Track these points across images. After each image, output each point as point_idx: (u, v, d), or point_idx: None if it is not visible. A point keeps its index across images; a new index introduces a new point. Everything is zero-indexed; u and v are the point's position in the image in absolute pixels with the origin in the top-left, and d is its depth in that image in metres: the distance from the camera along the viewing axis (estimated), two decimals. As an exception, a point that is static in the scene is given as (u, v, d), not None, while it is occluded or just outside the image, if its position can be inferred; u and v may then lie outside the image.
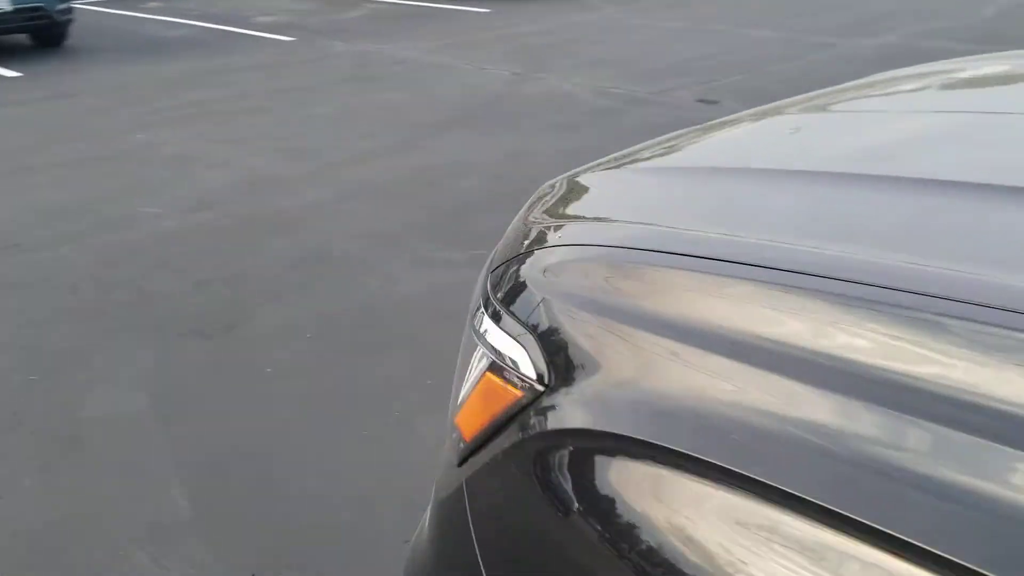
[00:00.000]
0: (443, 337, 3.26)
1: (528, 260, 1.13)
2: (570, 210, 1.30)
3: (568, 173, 1.48)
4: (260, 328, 3.38)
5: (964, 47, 7.72)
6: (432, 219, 4.38)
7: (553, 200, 1.33)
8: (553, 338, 1.00)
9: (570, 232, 1.18)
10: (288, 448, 2.66)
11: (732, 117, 1.72)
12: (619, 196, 1.29)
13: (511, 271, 1.15)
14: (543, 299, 1.04)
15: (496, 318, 1.11)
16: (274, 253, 4.05)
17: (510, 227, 1.35)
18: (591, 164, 1.51)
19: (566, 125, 5.98)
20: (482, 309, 1.16)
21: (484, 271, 1.28)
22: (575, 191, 1.37)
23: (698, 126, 1.65)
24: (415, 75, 7.65)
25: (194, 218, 4.51)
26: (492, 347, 1.08)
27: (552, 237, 1.17)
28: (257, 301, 3.59)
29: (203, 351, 3.23)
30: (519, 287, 1.10)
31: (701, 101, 6.36)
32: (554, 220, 1.24)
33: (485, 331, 1.12)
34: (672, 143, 1.50)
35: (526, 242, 1.19)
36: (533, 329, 1.03)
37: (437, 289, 3.64)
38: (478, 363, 1.12)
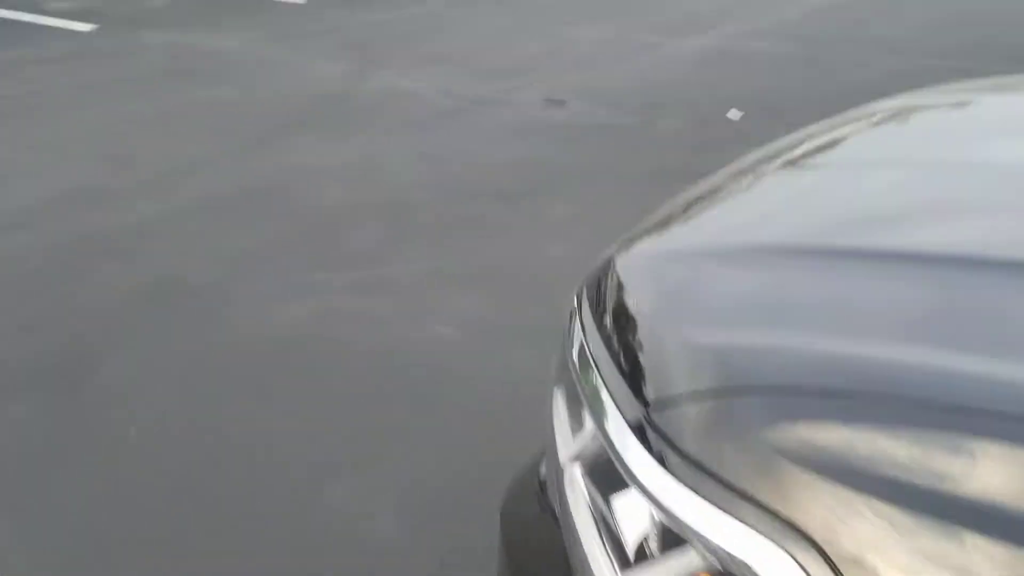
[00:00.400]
0: (335, 382, 2.86)
1: (740, 406, 0.79)
2: (726, 317, 0.96)
3: (639, 236, 1.15)
4: (113, 379, 2.85)
5: (784, 47, 7.95)
6: (295, 236, 3.92)
7: (680, 296, 1.00)
8: (859, 555, 0.67)
9: (786, 363, 0.82)
10: (168, 540, 2.20)
11: (790, 148, 1.44)
12: (777, 295, 0.96)
13: (711, 420, 0.80)
14: (809, 483, 0.71)
15: (661, 460, 0.78)
16: (115, 282, 3.48)
17: (607, 329, 1.01)
18: (657, 220, 1.19)
19: (416, 126, 5.62)
20: (634, 442, 0.81)
21: (613, 378, 0.92)
22: (699, 276, 1.04)
23: (743, 167, 1.37)
24: (240, 70, 7.02)
25: (9, 241, 3.83)
26: (694, 531, 0.75)
27: (748, 367, 0.83)
28: (104, 345, 3.04)
29: (45, 413, 2.68)
30: (736, 445, 0.76)
31: (548, 101, 6.16)
32: (722, 335, 0.91)
33: (657, 488, 0.78)
34: (729, 202, 1.21)
35: (693, 369, 0.85)
36: (790, 525, 0.70)
37: (317, 321, 3.22)
38: (653, 540, 0.78)
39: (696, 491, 0.77)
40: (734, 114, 5.77)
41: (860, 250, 1.01)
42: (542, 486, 1.14)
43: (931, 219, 1.09)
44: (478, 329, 3.17)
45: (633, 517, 0.81)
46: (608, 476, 0.85)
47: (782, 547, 0.70)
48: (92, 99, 6.11)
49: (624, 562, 0.82)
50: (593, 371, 0.97)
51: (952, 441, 0.68)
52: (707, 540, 0.75)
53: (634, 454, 0.83)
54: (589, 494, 0.88)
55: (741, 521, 0.73)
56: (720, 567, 0.74)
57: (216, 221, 4.09)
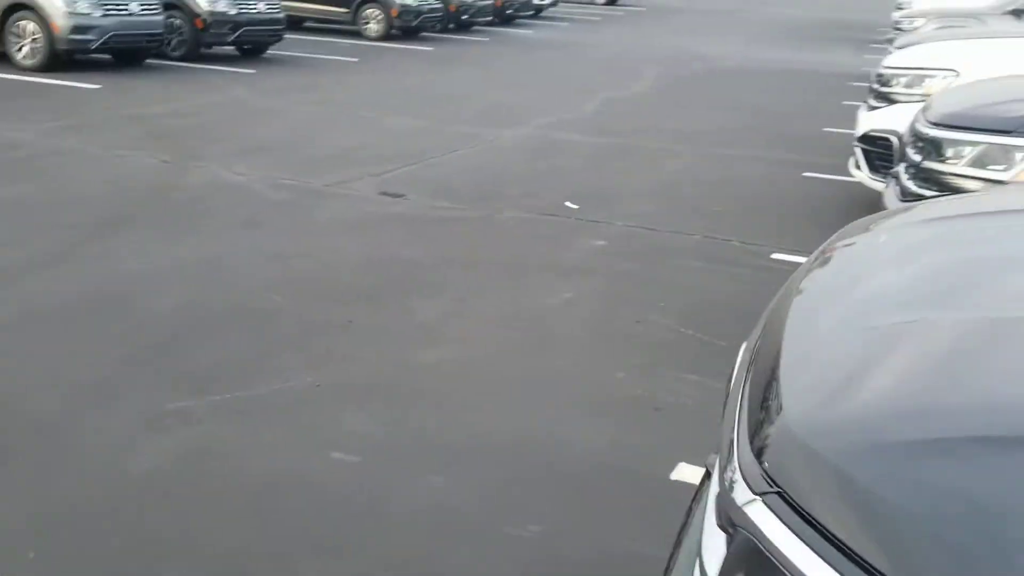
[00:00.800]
0: (220, 536, 2.39)
1: None
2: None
3: (829, 409, 0.90)
4: (-54, 554, 2.24)
5: (595, 138, 8.14)
6: (144, 353, 3.38)
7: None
8: None
9: None
10: None
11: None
12: None
13: None
14: None
15: None
16: (-72, 425, 2.82)
17: None
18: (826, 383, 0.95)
19: (252, 222, 5.16)
20: None
21: None
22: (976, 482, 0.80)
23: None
24: (40, 163, 6.24)
25: None
26: None
27: None
28: (-73, 509, 2.41)
29: None
30: None
31: (385, 194, 5.88)
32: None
33: None
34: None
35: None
36: None
37: (188, 457, 2.73)
38: None
39: None
40: (571, 204, 5.75)
41: None
42: None
43: None
44: (379, 453, 2.81)
45: None
46: None
47: None
48: None
49: None
50: None
51: None
52: None
53: None
54: None
55: None
56: None
57: (47, 339, 3.46)
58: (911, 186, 3.24)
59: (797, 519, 0.82)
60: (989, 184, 2.94)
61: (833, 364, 1.04)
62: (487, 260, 4.73)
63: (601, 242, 5.09)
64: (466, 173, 6.62)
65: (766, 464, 0.90)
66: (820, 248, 1.55)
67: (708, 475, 1.38)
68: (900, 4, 17.23)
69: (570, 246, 5.02)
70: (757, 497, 0.87)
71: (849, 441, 0.88)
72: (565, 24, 21.02)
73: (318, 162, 6.69)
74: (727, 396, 1.40)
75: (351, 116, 8.74)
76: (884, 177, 5.30)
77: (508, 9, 19.52)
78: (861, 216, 5.10)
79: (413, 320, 3.89)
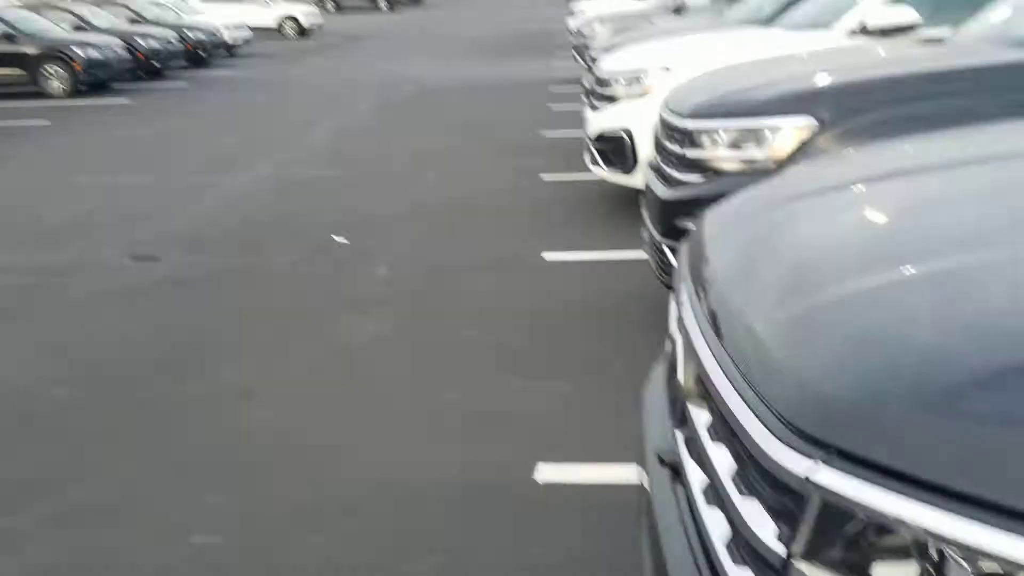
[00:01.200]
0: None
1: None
2: None
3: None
4: None
5: (328, 171, 8.04)
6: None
7: None
8: None
9: None
10: None
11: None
12: None
13: None
14: None
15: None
16: None
17: None
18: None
19: (-6, 315, 4.58)
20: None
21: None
22: None
23: None
24: None
25: None
26: None
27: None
28: None
29: None
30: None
31: (137, 259, 5.45)
32: None
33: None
34: None
35: None
36: None
37: (31, 582, 2.41)
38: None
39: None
40: (341, 239, 5.67)
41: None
42: None
43: None
44: (240, 527, 2.64)
45: None
46: None
47: None
48: None
49: None
50: None
51: None
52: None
53: None
54: None
55: None
56: None
57: None
58: (675, 174, 3.57)
59: (871, 472, 0.91)
60: (748, 163, 3.33)
61: (818, 324, 1.15)
62: (274, 310, 4.56)
63: (382, 270, 5.08)
64: (214, 224, 6.30)
65: (809, 429, 0.99)
66: (700, 229, 1.69)
67: (662, 462, 1.46)
68: (572, 12, 18.69)
69: (354, 280, 4.96)
70: (819, 462, 0.95)
71: (892, 386, 0.98)
72: (263, 61, 20.50)
73: (47, 237, 6.06)
74: (675, 385, 1.50)
75: (64, 183, 7.98)
76: (622, 170, 5.75)
77: (200, 51, 18.71)
78: (609, 207, 5.38)
79: (225, 387, 3.66)
